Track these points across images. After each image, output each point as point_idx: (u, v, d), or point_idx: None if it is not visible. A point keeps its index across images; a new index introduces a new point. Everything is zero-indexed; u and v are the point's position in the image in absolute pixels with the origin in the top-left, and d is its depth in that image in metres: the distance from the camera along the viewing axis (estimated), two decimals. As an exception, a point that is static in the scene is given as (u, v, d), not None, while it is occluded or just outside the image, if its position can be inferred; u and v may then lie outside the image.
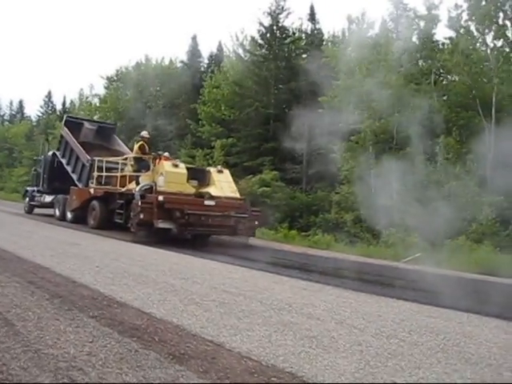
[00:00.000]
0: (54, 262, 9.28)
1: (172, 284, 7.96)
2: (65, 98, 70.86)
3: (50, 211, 23.59)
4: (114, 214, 16.81)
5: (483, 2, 22.14)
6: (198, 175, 16.58)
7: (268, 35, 33.07)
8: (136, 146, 16.61)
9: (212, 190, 15.92)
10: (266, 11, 32.76)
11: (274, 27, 32.93)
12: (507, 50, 22.68)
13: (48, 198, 23.74)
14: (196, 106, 33.97)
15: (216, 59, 43.52)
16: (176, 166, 15.57)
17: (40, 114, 70.29)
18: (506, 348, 5.44)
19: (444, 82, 25.59)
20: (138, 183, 15.50)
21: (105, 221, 17.52)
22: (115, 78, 49.35)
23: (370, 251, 16.65)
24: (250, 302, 7.00)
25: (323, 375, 4.17)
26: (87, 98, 55.13)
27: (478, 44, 23.29)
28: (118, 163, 18.48)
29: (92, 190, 18.16)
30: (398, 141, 22.61)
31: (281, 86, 32.52)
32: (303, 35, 34.64)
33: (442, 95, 24.94)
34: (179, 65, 47.64)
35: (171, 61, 49.05)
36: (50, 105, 70.75)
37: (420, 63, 26.06)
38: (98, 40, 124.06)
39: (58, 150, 23.36)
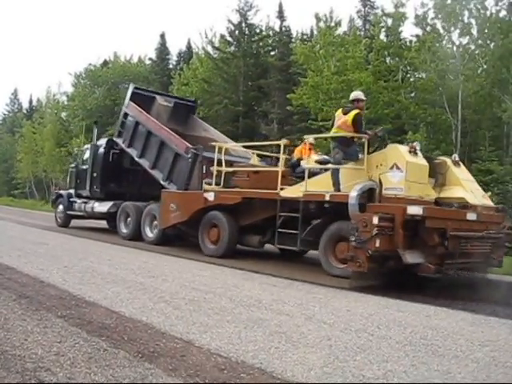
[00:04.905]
0: (22, 263, 9.16)
1: (141, 282, 7.92)
2: (31, 95, 70.15)
3: (87, 223, 19.18)
4: (245, 235, 11.95)
5: (449, 1, 22.53)
6: (431, 170, 9.97)
7: (237, 32, 33.16)
8: (349, 118, 9.68)
9: (462, 195, 9.86)
10: (234, 8, 32.83)
11: (243, 24, 33.04)
12: (472, 47, 23.08)
13: (101, 207, 16.77)
14: (165, 103, 33.74)
15: (185, 56, 43.46)
16: (414, 152, 9.45)
17: (6, 113, 69.43)
18: (472, 340, 5.53)
19: (411, 79, 25.93)
20: (336, 183, 9.84)
21: (235, 244, 12.10)
22: (83, 76, 48.85)
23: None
24: (219, 299, 7.00)
25: (292, 370, 4.19)
26: (55, 95, 54.45)
27: (444, 41, 23.68)
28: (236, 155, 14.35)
29: (211, 196, 12.02)
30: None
31: (250, 83, 32.60)
32: (271, 32, 34.74)
33: (410, 92, 25.29)
34: (148, 62, 47.45)
35: (140, 58, 48.88)
36: (17, 103, 69.84)
37: (388, 60, 26.36)
38: (66, 37, 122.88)
39: (119, 136, 16.77)
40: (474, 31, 22.92)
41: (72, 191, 18.73)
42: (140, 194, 15.76)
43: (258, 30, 33.99)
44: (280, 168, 11.30)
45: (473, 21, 22.78)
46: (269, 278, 9.36)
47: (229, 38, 33.98)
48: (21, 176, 52.33)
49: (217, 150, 12.31)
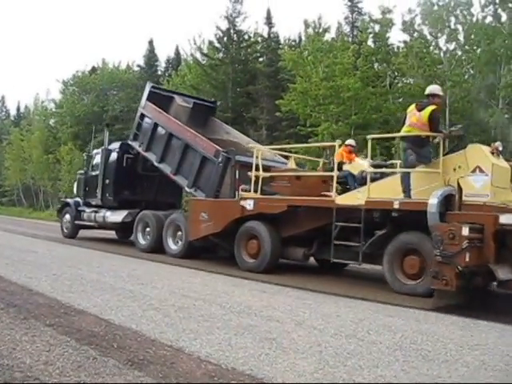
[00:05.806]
0: (10, 271, 9.09)
1: (130, 290, 7.88)
2: (19, 102, 69.95)
3: (96, 232, 18.08)
4: (288, 247, 10.66)
5: (435, 7, 22.72)
6: None
7: (225, 39, 33.28)
8: (424, 114, 8.54)
9: None
10: (223, 15, 32.93)
11: (231, 31, 33.15)
12: (459, 53, 23.28)
13: (115, 216, 15.46)
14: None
15: (173, 63, 43.53)
16: (497, 154, 8.57)
17: (-7, 120, 69.19)
18: (461, 344, 5.55)
19: (399, 85, 26.10)
20: (406, 188, 8.81)
21: (278, 258, 10.79)
22: (72, 82, 48.77)
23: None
24: (209, 305, 6.98)
25: (282, 376, 4.18)
26: (43, 102, 54.34)
27: (431, 47, 23.90)
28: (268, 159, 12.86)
29: (250, 204, 10.71)
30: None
31: (238, 89, 32.70)
32: (260, 39, 34.88)
33: (398, 97, 25.44)
34: (136, 69, 47.44)
35: (128, 65, 48.88)
36: (4, 110, 69.69)
37: (375, 66, 26.53)
38: (54, 43, 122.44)
39: (135, 139, 15.18)
40: (461, 37, 23.17)
41: (79, 199, 17.41)
42: (156, 202, 15.02)
43: (246, 37, 34.13)
44: (335, 173, 9.96)
45: (459, 27, 23.04)
46: (258, 284, 9.34)
47: (217, 45, 34.09)
48: (9, 183, 52.10)
49: (255, 153, 11.08)
